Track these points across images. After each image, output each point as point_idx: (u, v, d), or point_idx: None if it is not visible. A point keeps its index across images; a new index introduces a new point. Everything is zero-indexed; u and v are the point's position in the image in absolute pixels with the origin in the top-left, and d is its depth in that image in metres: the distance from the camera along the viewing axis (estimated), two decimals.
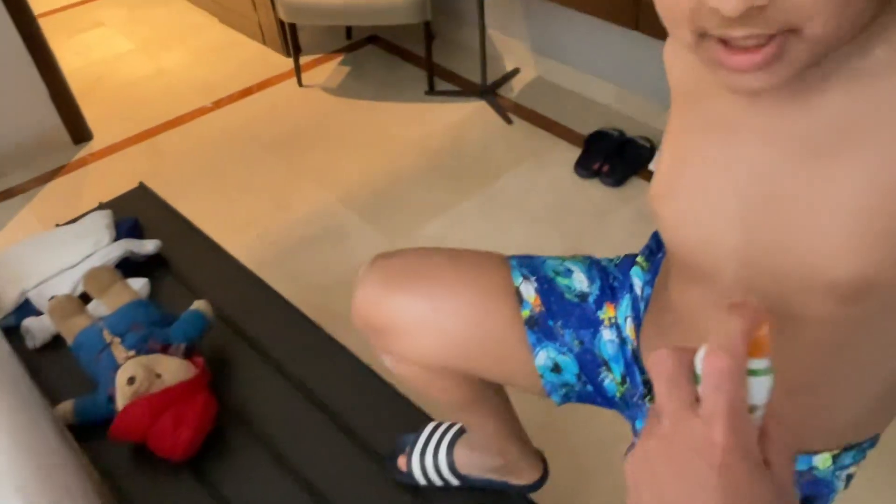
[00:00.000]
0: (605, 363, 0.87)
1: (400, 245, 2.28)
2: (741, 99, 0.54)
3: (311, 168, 2.61)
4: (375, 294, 0.94)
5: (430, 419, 1.25)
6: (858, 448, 0.71)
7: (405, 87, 3.01)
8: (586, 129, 2.60)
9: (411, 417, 1.24)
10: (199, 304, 1.35)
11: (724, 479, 0.34)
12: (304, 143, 2.74)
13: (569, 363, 0.87)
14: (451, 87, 2.98)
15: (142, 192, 1.81)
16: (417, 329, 0.88)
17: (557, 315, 0.88)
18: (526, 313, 0.88)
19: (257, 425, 1.26)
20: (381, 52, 3.28)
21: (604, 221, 2.28)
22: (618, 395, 0.87)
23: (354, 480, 1.15)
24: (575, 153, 2.49)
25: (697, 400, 0.36)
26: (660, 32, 0.61)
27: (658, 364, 0.37)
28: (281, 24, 3.03)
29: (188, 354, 1.26)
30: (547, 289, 0.91)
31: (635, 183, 2.39)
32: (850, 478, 0.74)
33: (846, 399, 0.64)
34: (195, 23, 3.64)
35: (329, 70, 3.17)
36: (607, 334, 0.86)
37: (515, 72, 3.01)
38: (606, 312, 0.88)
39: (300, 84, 3.05)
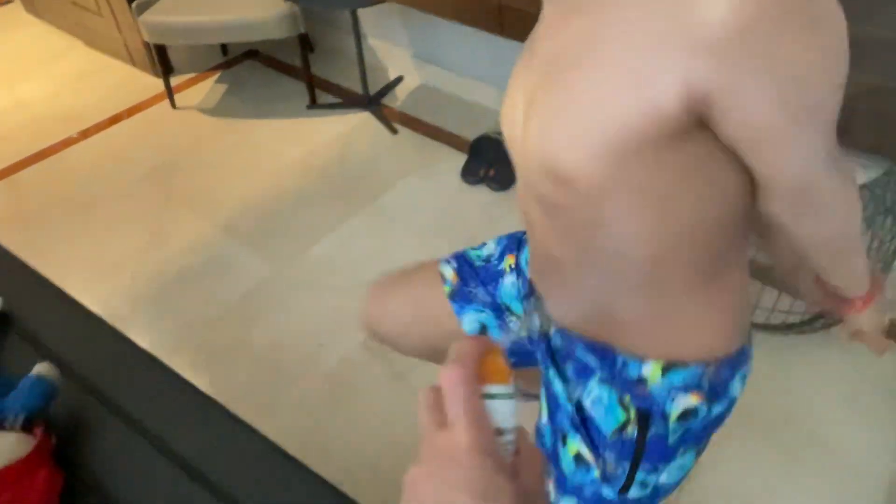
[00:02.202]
0: (508, 307, 1.03)
1: (287, 271, 2.21)
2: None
3: (189, 196, 2.48)
4: (366, 311, 1.23)
5: (323, 479, 1.18)
6: (687, 371, 0.77)
7: (286, 102, 2.90)
8: (472, 133, 2.58)
9: (295, 479, 1.17)
10: (40, 368, 1.22)
11: (470, 473, 0.37)
12: (180, 169, 2.60)
13: (489, 318, 1.03)
14: (333, 100, 2.90)
15: None
16: (392, 330, 1.18)
17: (469, 280, 1.06)
18: (447, 289, 1.08)
19: (114, 495, 1.15)
20: (260, 66, 3.16)
21: (493, 227, 2.27)
22: (523, 333, 0.98)
23: None
24: (462, 159, 2.47)
25: None
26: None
27: (420, 399, 0.42)
28: (148, 44, 2.86)
29: (28, 425, 1.13)
30: (461, 263, 1.11)
31: None
32: (688, 416, 0.79)
33: (619, 285, 0.74)
34: (57, 47, 3.40)
35: (205, 89, 3.03)
36: (508, 279, 1.03)
37: (399, 80, 2.96)
38: (507, 261, 1.05)
39: (174, 106, 2.89)
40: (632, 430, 0.80)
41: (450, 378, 0.40)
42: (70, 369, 1.31)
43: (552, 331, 0.90)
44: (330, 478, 1.49)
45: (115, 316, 2.08)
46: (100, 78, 3.15)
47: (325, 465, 1.47)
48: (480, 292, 1.05)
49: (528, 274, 0.96)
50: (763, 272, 1.89)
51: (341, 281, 2.12)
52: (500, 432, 0.40)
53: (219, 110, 2.89)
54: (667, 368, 0.77)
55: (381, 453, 1.67)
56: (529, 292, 0.98)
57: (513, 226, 2.41)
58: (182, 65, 3.12)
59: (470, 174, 2.38)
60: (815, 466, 1.59)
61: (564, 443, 0.87)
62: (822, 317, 1.82)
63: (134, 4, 2.62)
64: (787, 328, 1.84)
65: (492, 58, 2.60)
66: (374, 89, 2.87)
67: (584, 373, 0.84)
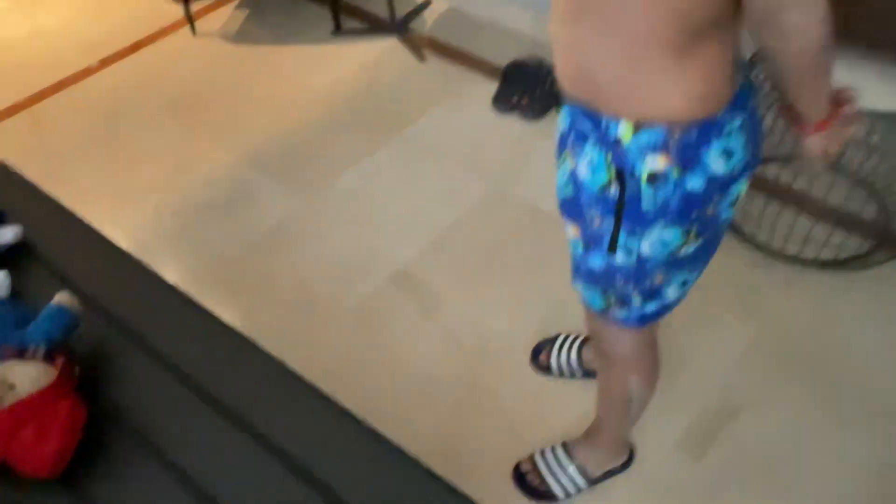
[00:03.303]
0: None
1: (313, 204, 2.15)
2: None
3: (212, 127, 2.41)
4: None
5: (345, 411, 1.15)
6: (655, 131, 0.84)
7: (310, 28, 2.78)
8: (504, 60, 2.44)
9: (321, 412, 1.13)
10: (60, 298, 1.19)
11: None
12: (202, 99, 2.52)
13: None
14: (359, 26, 2.77)
15: (2, 174, 1.60)
16: None
17: None
18: None
19: (139, 428, 1.13)
20: None
21: (526, 158, 2.17)
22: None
23: (253, 483, 1.04)
24: (493, 87, 2.35)
25: None
26: None
27: None
28: None
29: (50, 356, 1.11)
30: None
31: (556, 117, 2.27)
32: (657, 179, 0.86)
33: (603, 48, 0.82)
34: None
35: (225, 15, 2.91)
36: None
37: (427, 3, 2.81)
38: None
39: (194, 33, 2.79)
40: (614, 190, 0.90)
41: None
42: (93, 300, 1.28)
43: (567, 117, 1.00)
44: (356, 414, 1.45)
45: (139, 248, 2.04)
46: (119, 4, 3.04)
47: (351, 401, 1.44)
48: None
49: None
50: (816, 207, 1.78)
51: (367, 215, 2.06)
52: None
53: (240, 37, 2.79)
54: (637, 127, 0.85)
55: (408, 389, 1.64)
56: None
57: (547, 156, 2.30)
58: None
59: (501, 102, 2.27)
60: (859, 413, 1.52)
61: (566, 225, 1.04)
62: (875, 251, 1.72)
63: None
64: (838, 264, 1.74)
65: None
66: (401, 14, 2.73)
67: (581, 139, 0.93)
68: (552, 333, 1.67)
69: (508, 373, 1.65)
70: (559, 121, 1.05)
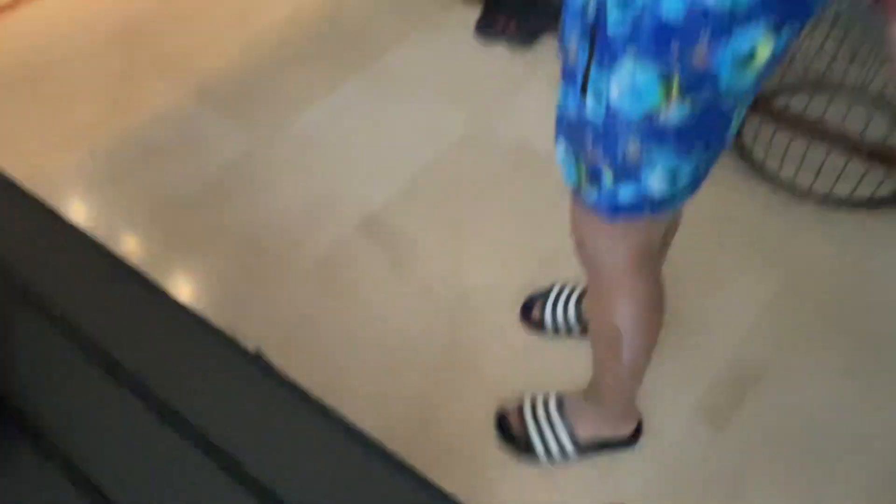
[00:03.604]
0: None
1: (269, 145, 1.88)
2: None
3: (157, 61, 2.12)
4: None
5: (286, 380, 0.92)
6: None
7: None
8: None
9: (254, 381, 0.89)
10: None
11: None
12: (146, 31, 2.22)
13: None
14: None
15: None
16: None
17: None
18: None
19: (39, 417, 0.88)
20: None
21: (514, 92, 1.91)
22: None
23: (179, 485, 0.80)
24: (475, 13, 2.07)
25: None
26: None
27: None
28: None
29: None
30: None
31: (547, 43, 2.00)
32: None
33: None
34: None
35: None
36: None
37: None
38: None
39: None
40: (592, 7, 0.72)
41: None
42: None
43: None
44: (315, 381, 1.20)
45: (69, 195, 1.79)
46: None
47: (309, 365, 1.20)
48: None
49: None
50: (851, 141, 1.53)
51: (332, 156, 1.80)
52: None
53: None
54: None
55: (378, 352, 1.41)
56: None
57: (537, 91, 2.02)
58: None
59: (485, 29, 1.99)
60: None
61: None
62: None
63: None
64: (874, 204, 1.51)
65: None
66: None
67: None
68: (543, 287, 1.44)
69: (493, 332, 1.42)
70: None
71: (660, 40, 0.68)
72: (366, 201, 1.67)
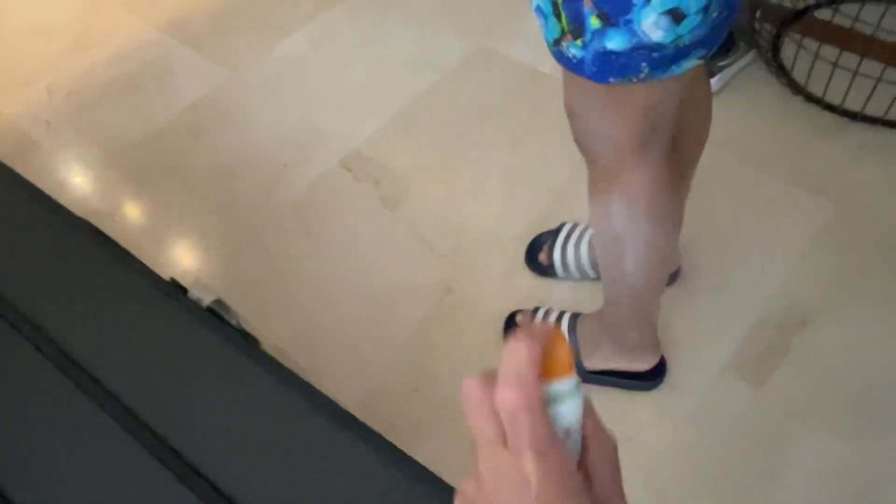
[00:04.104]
0: None
1: (244, 76, 1.68)
2: None
3: None
4: None
5: (250, 350, 0.75)
6: None
7: None
8: None
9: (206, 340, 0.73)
10: None
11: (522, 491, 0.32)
12: None
13: None
14: None
15: None
16: None
17: None
18: None
19: None
20: None
21: (520, 8, 1.69)
22: None
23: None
24: None
25: None
26: None
27: (465, 397, 0.34)
28: None
29: None
30: None
31: None
32: None
33: None
34: None
35: None
36: None
37: None
38: None
39: None
40: None
41: (507, 403, 0.32)
42: None
43: None
44: (293, 337, 1.03)
45: (24, 138, 1.62)
46: None
47: (286, 318, 1.03)
48: None
49: None
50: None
51: (314, 88, 1.60)
52: (567, 433, 0.34)
53: None
54: None
55: (361, 303, 1.23)
56: None
57: None
58: None
59: None
60: None
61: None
62: None
63: None
64: None
65: None
66: None
67: None
68: (550, 228, 1.25)
69: (496, 278, 1.24)
70: None
71: None
72: (352, 134, 1.48)
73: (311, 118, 1.53)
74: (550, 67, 1.51)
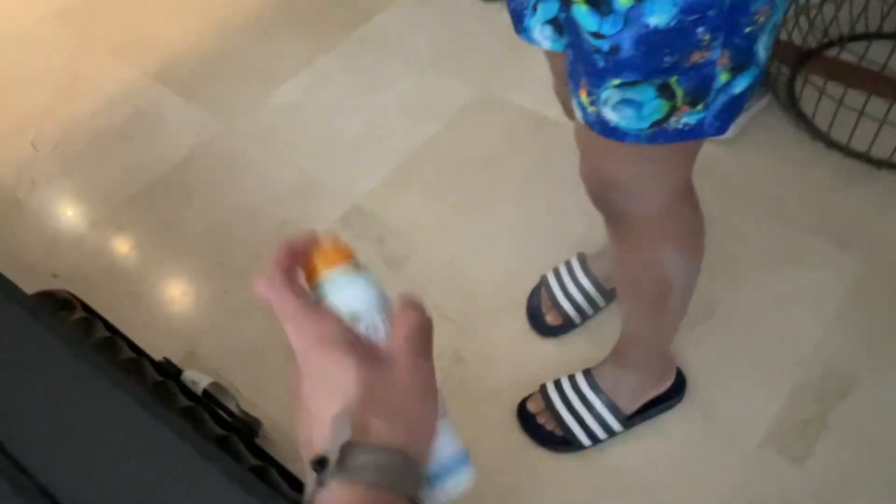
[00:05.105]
0: None
1: (237, 126, 1.61)
2: None
3: (111, 37, 1.85)
4: None
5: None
6: None
7: None
8: None
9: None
10: None
11: (308, 375, 0.35)
12: (100, 7, 1.95)
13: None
14: None
15: None
16: None
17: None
18: None
19: None
20: None
21: (522, 54, 1.63)
22: None
23: None
24: None
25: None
26: None
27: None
28: None
29: None
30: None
31: None
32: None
33: None
34: None
35: None
36: None
37: None
38: None
39: None
40: None
41: (258, 292, 0.37)
42: None
43: None
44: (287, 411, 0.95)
45: (7, 196, 1.54)
46: None
47: (278, 392, 0.95)
48: None
49: None
50: None
51: (311, 138, 1.54)
52: (354, 317, 0.36)
53: None
54: None
55: None
56: None
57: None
58: None
59: None
60: None
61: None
62: None
63: None
64: None
65: None
66: None
67: None
68: (534, 286, 1.20)
69: (507, 342, 1.16)
70: None
71: None
72: (352, 187, 1.42)
73: (309, 171, 1.46)
74: (556, 112, 1.46)
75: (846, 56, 1.28)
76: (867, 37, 1.34)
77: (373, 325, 0.36)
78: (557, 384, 1.04)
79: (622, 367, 1.00)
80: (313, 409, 0.34)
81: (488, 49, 1.65)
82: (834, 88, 1.29)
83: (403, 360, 0.36)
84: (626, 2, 0.52)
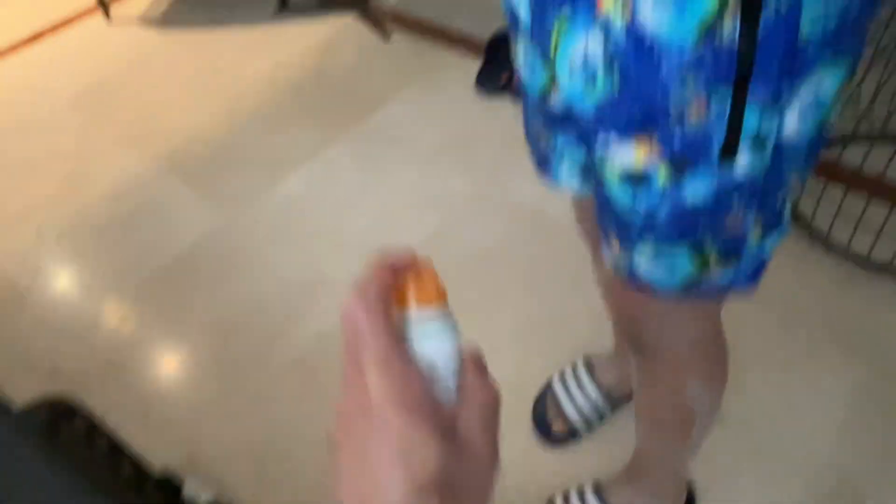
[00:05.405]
0: None
1: (244, 217, 1.63)
2: None
3: (120, 126, 1.90)
4: None
5: None
6: None
7: (251, 6, 2.28)
8: (488, 31, 1.96)
9: None
10: None
11: (380, 431, 0.30)
12: (110, 94, 2.01)
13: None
14: (308, 1, 2.27)
15: None
16: None
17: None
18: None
19: None
20: None
21: (519, 148, 1.67)
22: None
23: None
24: (475, 66, 1.86)
25: None
26: None
27: (343, 318, 0.32)
28: None
29: None
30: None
31: None
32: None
33: None
34: None
35: None
36: None
37: None
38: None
39: (108, 18, 2.28)
40: (730, 28, 0.44)
41: (347, 313, 0.31)
42: None
43: None
44: None
45: (11, 287, 1.55)
46: None
47: (291, 489, 0.94)
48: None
49: None
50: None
51: (315, 231, 1.55)
52: (432, 370, 0.32)
53: (164, 22, 2.28)
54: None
55: None
56: None
57: None
58: None
59: (487, 82, 1.78)
60: None
61: (605, 156, 0.56)
62: None
63: None
64: None
65: None
66: None
67: None
68: (540, 391, 1.18)
69: (512, 454, 1.14)
70: None
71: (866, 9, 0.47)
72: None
73: (314, 265, 1.47)
74: (559, 209, 1.48)
75: (848, 157, 1.31)
76: (869, 139, 1.37)
77: (447, 387, 0.33)
78: (566, 498, 1.02)
79: (636, 488, 0.98)
80: (373, 465, 0.31)
81: (490, 143, 1.69)
82: (833, 190, 1.31)
83: (478, 443, 0.33)
84: (664, 181, 0.53)
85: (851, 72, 0.50)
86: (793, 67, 0.46)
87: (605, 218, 0.62)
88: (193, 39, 2.19)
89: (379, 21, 2.11)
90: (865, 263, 1.29)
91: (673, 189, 0.53)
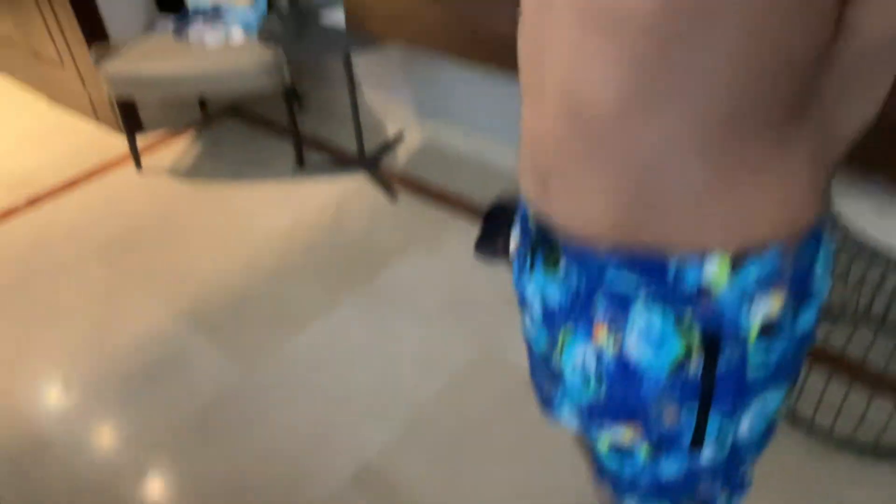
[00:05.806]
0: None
1: (260, 371, 1.75)
2: None
3: (145, 276, 2.05)
4: None
5: None
6: (764, 259, 0.57)
7: (271, 164, 2.51)
8: (486, 198, 2.18)
9: None
10: None
11: None
12: (137, 243, 2.18)
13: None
14: (324, 161, 2.50)
15: None
16: None
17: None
18: None
19: None
20: (242, 124, 2.79)
21: (516, 312, 1.83)
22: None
23: None
24: (475, 229, 2.05)
25: None
26: None
27: None
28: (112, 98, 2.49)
29: None
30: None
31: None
32: (771, 330, 0.59)
33: (683, 142, 0.54)
34: (17, 102, 3.05)
35: (178, 149, 2.64)
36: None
37: (399, 137, 2.58)
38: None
39: (139, 166, 2.49)
40: (695, 365, 0.60)
41: None
42: None
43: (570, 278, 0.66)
44: None
45: (34, 435, 1.63)
46: (60, 137, 2.77)
47: None
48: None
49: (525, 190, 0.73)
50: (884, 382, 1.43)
51: (326, 390, 1.67)
52: None
53: (191, 173, 2.50)
54: (737, 262, 0.57)
55: None
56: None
57: None
58: (154, 122, 2.75)
59: (485, 248, 1.96)
60: None
61: (597, 432, 0.71)
62: None
63: (92, 51, 2.25)
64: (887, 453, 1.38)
65: (504, 109, 2.22)
66: (370, 148, 2.49)
67: (621, 304, 0.61)
68: None
69: None
70: (529, 290, 0.74)
71: (797, 359, 0.64)
72: (362, 446, 1.52)
73: (323, 424, 1.58)
74: None
75: (832, 341, 1.47)
76: (854, 322, 1.53)
77: None
78: None
79: None
80: None
81: (489, 305, 1.85)
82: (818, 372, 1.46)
83: None
84: (645, 457, 0.68)
85: (791, 387, 0.66)
86: (744, 395, 0.62)
87: (598, 470, 0.75)
88: (216, 192, 2.39)
89: (388, 182, 2.32)
90: (827, 438, 1.42)
91: (652, 464, 0.67)
